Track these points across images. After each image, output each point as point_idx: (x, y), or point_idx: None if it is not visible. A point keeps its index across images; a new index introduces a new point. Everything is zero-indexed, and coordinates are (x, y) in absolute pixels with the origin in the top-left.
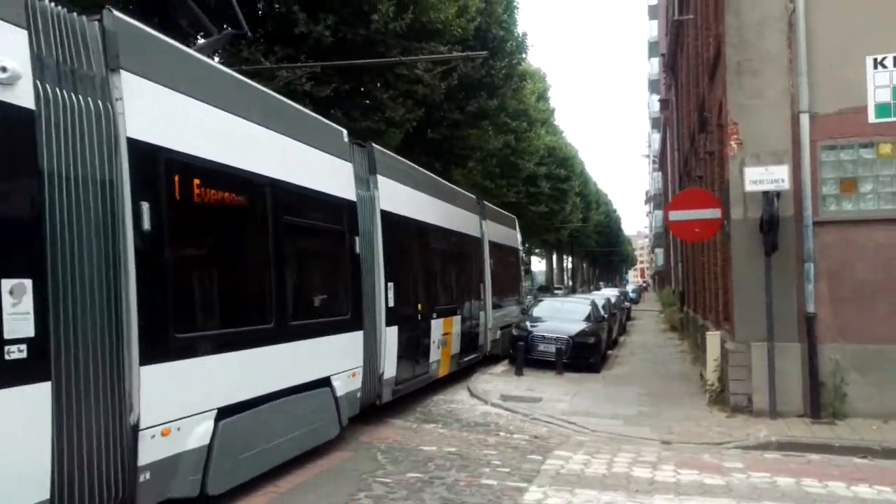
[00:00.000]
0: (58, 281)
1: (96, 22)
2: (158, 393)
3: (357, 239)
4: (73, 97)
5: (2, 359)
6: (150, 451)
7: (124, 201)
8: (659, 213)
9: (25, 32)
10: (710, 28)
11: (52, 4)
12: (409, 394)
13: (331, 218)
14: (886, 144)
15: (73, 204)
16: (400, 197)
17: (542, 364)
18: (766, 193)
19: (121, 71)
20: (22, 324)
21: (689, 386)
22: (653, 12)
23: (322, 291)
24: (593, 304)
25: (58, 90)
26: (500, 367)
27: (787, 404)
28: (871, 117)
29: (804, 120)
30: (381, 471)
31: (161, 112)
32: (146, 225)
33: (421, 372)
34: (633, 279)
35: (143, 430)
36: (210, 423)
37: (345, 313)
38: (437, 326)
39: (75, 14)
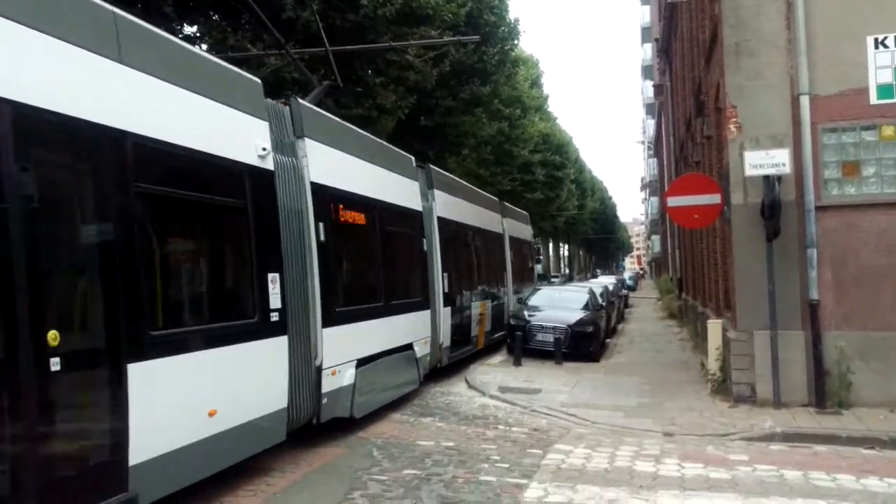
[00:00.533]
0: (285, 275)
1: (287, 106)
2: (330, 347)
3: (424, 240)
4: (284, 158)
5: (269, 320)
6: (327, 384)
7: (310, 223)
8: (655, 199)
9: (266, 123)
10: (705, 10)
11: (271, 101)
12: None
13: (409, 225)
14: (889, 127)
15: (288, 226)
16: (449, 205)
17: (541, 354)
18: (766, 178)
19: (304, 138)
20: (276, 300)
21: (689, 374)
22: None
23: (406, 279)
24: (591, 293)
25: (279, 155)
26: (498, 358)
27: (792, 394)
28: (873, 98)
29: (804, 102)
30: (377, 467)
31: (325, 162)
32: (322, 238)
33: (466, 343)
34: (630, 266)
35: (324, 370)
36: (353, 369)
37: (419, 296)
38: (475, 307)
39: (277, 102)
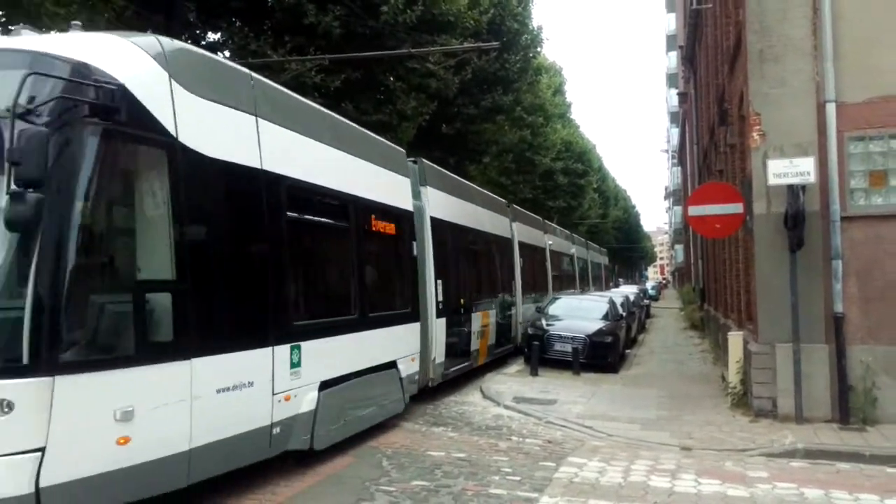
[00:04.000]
0: (421, 281)
1: (415, 164)
2: (439, 330)
3: (513, 257)
4: (414, 201)
5: (433, 308)
6: (437, 353)
7: (429, 244)
8: (678, 208)
9: (409, 180)
10: (729, 16)
11: (410, 161)
12: (419, 396)
13: (504, 248)
14: None
15: (418, 248)
16: (520, 232)
17: (559, 364)
18: (790, 187)
19: (427, 185)
20: (434, 296)
21: (710, 388)
22: (670, 5)
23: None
24: (611, 302)
25: (411, 199)
26: (515, 367)
27: (814, 409)
28: None
29: (830, 109)
30: (386, 478)
31: (438, 201)
32: (436, 254)
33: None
34: (653, 276)
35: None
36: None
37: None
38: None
39: (409, 161)
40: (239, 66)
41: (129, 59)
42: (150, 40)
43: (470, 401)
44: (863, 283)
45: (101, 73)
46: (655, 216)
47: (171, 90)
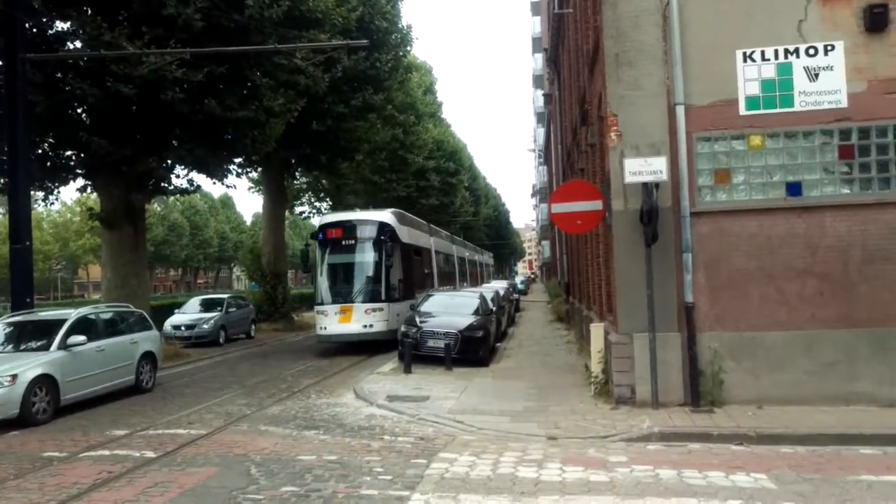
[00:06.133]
0: (432, 275)
1: (429, 225)
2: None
3: (455, 264)
4: (429, 244)
5: (436, 287)
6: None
7: (434, 260)
8: (545, 206)
9: (429, 235)
10: (588, 21)
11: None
12: (291, 399)
13: (452, 259)
14: (756, 136)
15: (432, 263)
16: (458, 251)
17: (432, 360)
18: (645, 185)
19: (432, 236)
20: (436, 282)
21: (575, 378)
22: (535, 8)
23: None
24: (482, 298)
25: (431, 243)
26: (389, 366)
27: (669, 394)
28: (742, 110)
29: (680, 112)
30: (254, 486)
31: (437, 244)
32: (437, 265)
33: None
34: (522, 271)
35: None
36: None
37: (466, 280)
38: None
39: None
40: (407, 213)
41: (391, 218)
42: (392, 210)
43: (343, 402)
44: (710, 274)
45: (388, 226)
46: (524, 213)
47: (398, 225)
